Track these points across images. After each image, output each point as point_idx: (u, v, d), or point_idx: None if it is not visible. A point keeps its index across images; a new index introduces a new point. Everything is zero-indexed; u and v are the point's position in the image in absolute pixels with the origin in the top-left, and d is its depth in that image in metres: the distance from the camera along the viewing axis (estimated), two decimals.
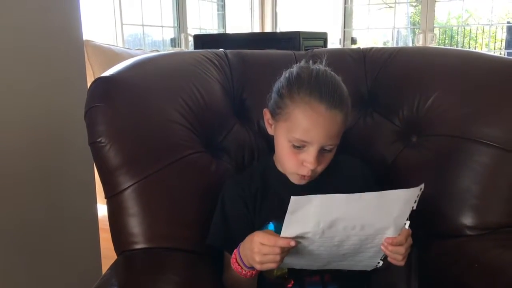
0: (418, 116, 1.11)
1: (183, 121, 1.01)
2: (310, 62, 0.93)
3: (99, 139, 0.93)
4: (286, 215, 0.73)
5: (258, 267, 0.79)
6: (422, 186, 0.74)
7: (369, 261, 0.85)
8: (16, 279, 1.24)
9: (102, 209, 1.11)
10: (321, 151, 0.87)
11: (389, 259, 0.81)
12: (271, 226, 0.92)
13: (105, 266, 0.95)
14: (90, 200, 1.45)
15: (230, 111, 1.15)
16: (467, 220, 1.00)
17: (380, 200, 0.74)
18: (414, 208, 0.76)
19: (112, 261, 0.93)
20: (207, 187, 0.99)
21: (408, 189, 0.74)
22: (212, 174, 1.02)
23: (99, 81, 0.97)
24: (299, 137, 0.86)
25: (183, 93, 1.04)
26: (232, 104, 1.16)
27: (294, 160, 0.88)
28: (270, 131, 0.96)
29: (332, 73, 0.91)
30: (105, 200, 0.97)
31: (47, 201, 1.30)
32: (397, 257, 0.80)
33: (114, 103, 0.96)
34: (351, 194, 0.72)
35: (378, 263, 0.85)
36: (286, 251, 0.77)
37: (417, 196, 0.75)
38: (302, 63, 0.93)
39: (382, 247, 0.79)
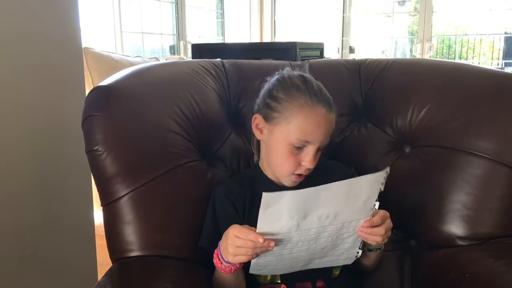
0: (412, 127, 1.12)
1: (179, 130, 1.03)
2: (295, 69, 0.99)
3: (96, 148, 0.94)
4: (260, 210, 0.76)
5: (230, 258, 0.82)
6: (388, 169, 0.77)
7: (348, 253, 0.88)
8: (12, 285, 1.24)
9: (98, 216, 1.12)
10: (317, 150, 0.92)
11: (369, 242, 0.85)
12: None
13: (101, 272, 0.95)
14: (87, 207, 1.45)
15: (227, 120, 1.16)
16: (459, 230, 1.02)
17: (349, 188, 0.77)
18: (382, 189, 0.79)
19: (108, 268, 0.94)
20: (203, 195, 1.00)
21: (375, 173, 0.77)
22: (208, 182, 1.03)
23: (97, 90, 0.99)
24: (303, 138, 0.91)
25: (180, 102, 1.06)
26: (228, 113, 1.17)
27: (292, 161, 0.92)
28: (260, 136, 0.99)
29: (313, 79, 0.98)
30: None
31: (44, 208, 1.31)
32: (377, 238, 0.84)
33: (111, 112, 0.97)
34: (320, 186, 0.75)
35: (358, 252, 0.88)
36: (260, 248, 0.80)
37: (384, 178, 0.78)
38: (288, 69, 0.99)
39: (359, 233, 0.83)
